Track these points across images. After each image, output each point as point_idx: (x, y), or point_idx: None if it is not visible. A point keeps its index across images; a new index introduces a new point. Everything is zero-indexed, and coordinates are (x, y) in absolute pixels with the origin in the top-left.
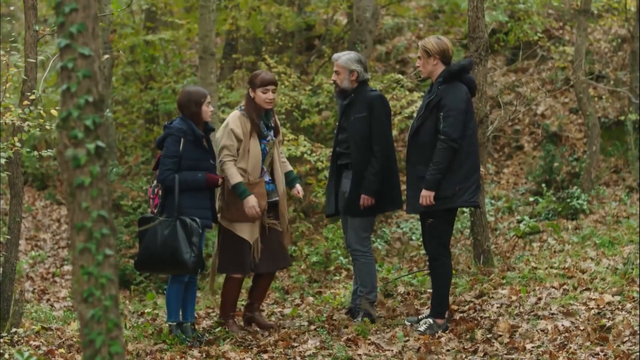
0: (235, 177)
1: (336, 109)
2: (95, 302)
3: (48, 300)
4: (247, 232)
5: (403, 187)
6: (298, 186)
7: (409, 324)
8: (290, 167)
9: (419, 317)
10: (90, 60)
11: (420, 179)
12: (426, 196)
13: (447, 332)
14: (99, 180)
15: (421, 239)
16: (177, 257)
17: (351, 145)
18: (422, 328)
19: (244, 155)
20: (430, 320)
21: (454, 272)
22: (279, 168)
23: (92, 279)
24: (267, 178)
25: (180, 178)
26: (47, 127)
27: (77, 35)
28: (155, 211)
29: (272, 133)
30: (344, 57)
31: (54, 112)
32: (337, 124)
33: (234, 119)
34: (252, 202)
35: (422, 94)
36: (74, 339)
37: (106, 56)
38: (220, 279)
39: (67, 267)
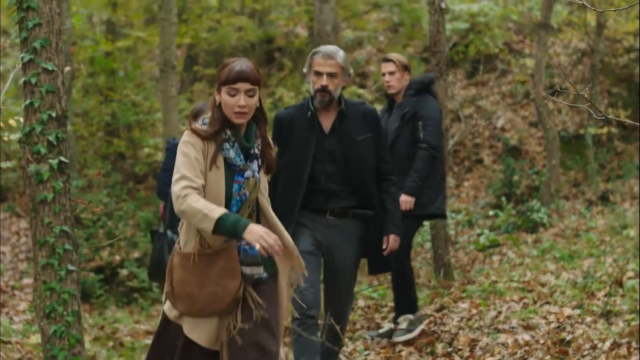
0: (208, 209)
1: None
2: (58, 317)
3: (7, 313)
4: (205, 333)
5: None
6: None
7: (370, 337)
8: None
9: (379, 331)
10: (54, 75)
11: (400, 188)
12: (407, 201)
13: (408, 345)
14: (62, 195)
15: None
16: None
17: (356, 177)
18: (403, 326)
19: None
20: (410, 316)
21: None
22: (274, 220)
23: (55, 295)
24: (243, 241)
25: None
26: (5, 139)
27: (41, 50)
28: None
29: (255, 165)
30: (342, 53)
31: (12, 122)
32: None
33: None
34: (258, 228)
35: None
36: (34, 353)
37: (67, 69)
38: None
39: (27, 280)
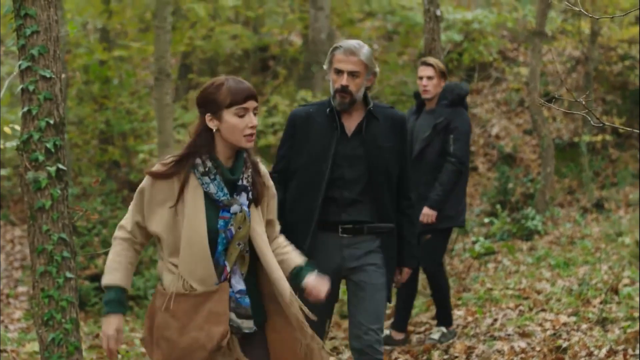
0: (107, 269)
1: None
2: (56, 325)
3: (2, 321)
4: None
5: None
6: (311, 279)
7: None
8: (297, 259)
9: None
10: (52, 82)
11: (424, 199)
12: (429, 215)
13: (404, 353)
14: (60, 203)
15: None
16: None
17: (376, 187)
18: (435, 336)
19: (175, 238)
20: (443, 329)
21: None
22: (270, 264)
23: (53, 302)
24: (238, 285)
25: None
26: (1, 147)
27: (39, 58)
28: None
29: (244, 197)
30: (366, 49)
31: (7, 130)
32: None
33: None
34: (111, 325)
35: None
36: None
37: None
38: None
39: (22, 289)
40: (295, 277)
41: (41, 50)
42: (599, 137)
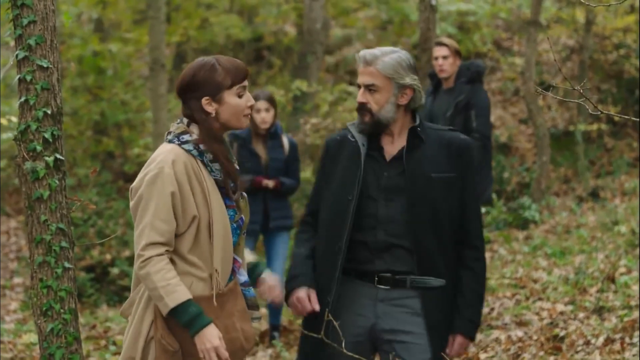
0: (177, 288)
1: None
2: (55, 315)
3: None
4: None
5: None
6: (268, 277)
7: None
8: (249, 256)
9: None
10: (49, 72)
11: None
12: None
13: None
14: (58, 193)
15: None
16: None
17: (420, 230)
18: None
19: (196, 236)
20: None
21: None
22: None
23: (52, 292)
24: (242, 277)
25: None
26: None
27: (36, 48)
28: None
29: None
30: (388, 58)
31: (4, 121)
32: (353, 180)
33: (169, 162)
34: (214, 336)
35: None
36: (26, 352)
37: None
38: None
39: (17, 280)
40: (250, 272)
41: (38, 40)
42: (595, 126)
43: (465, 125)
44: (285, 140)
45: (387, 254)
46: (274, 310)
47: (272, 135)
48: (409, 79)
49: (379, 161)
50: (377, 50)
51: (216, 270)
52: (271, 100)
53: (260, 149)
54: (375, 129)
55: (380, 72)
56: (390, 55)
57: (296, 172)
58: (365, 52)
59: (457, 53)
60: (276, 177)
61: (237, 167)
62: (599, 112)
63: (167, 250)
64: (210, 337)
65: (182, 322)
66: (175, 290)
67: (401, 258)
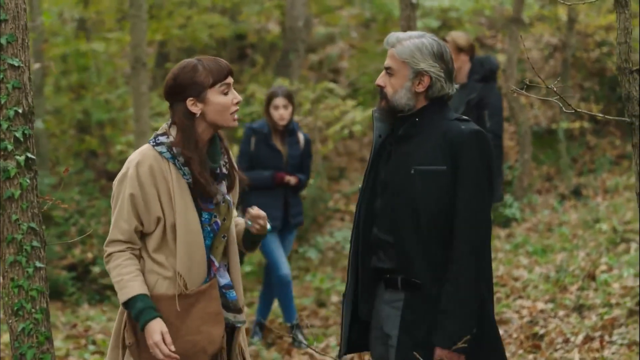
0: (129, 284)
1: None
2: (26, 315)
3: None
4: None
5: None
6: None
7: None
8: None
9: None
10: (20, 71)
11: None
12: None
13: None
14: (29, 192)
15: None
16: None
17: (396, 226)
18: None
19: (162, 237)
20: None
21: None
22: (234, 260)
23: (23, 292)
24: (223, 279)
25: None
26: None
27: (7, 47)
28: None
29: (223, 187)
30: (410, 42)
31: None
32: (364, 175)
33: (134, 163)
34: (155, 332)
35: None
36: (6, 352)
37: (37, 65)
38: None
39: None
40: (246, 233)
41: (9, 39)
42: (577, 124)
43: (477, 124)
44: (300, 136)
45: (380, 251)
46: (264, 309)
47: (289, 132)
48: (426, 65)
49: (387, 153)
50: (403, 34)
51: (178, 272)
52: (289, 97)
53: (280, 145)
54: (391, 116)
55: (397, 55)
56: (412, 40)
57: (309, 168)
58: (392, 34)
59: (459, 49)
60: (294, 174)
61: (223, 171)
62: (574, 111)
63: (129, 247)
64: (152, 332)
65: (132, 316)
66: (127, 285)
67: (390, 257)
